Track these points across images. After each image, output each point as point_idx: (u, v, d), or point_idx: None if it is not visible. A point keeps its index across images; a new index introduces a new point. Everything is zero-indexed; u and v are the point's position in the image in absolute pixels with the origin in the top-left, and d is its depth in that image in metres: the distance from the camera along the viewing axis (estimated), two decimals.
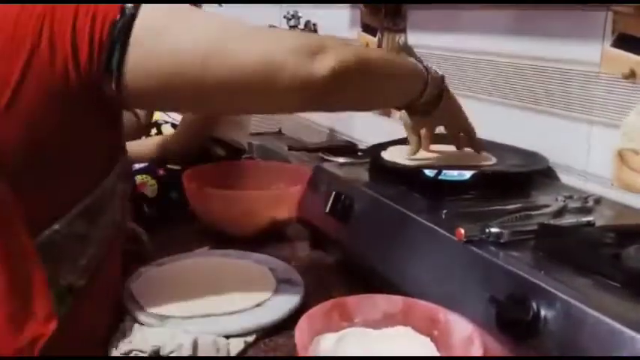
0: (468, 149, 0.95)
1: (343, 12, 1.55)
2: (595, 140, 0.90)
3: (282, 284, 0.85)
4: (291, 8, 1.76)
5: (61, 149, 0.63)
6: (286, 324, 0.76)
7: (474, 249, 0.67)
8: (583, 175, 0.92)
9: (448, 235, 0.71)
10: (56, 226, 0.63)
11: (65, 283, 0.65)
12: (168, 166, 1.21)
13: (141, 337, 0.72)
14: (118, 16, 0.60)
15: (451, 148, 0.96)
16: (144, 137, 1.36)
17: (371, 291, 0.82)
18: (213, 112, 0.86)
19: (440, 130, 0.93)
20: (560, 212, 0.78)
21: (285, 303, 0.80)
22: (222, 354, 0.71)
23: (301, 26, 1.75)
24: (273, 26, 1.75)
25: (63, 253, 0.64)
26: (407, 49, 1.30)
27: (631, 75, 0.84)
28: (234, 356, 0.72)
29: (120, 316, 0.77)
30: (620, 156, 0.86)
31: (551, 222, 0.73)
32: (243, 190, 1.18)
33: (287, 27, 1.75)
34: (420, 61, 0.82)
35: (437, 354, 0.64)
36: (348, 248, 0.91)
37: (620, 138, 0.86)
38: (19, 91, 0.59)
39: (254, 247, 0.99)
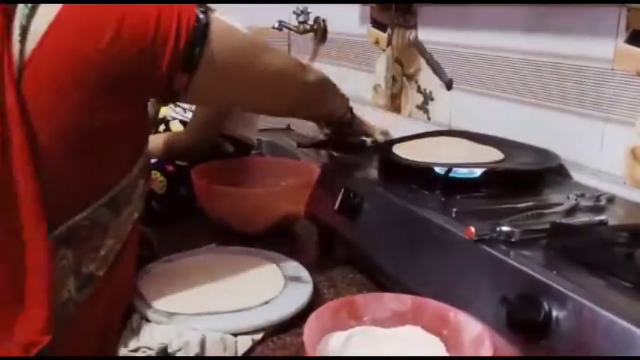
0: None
1: (353, 8, 1.54)
2: (608, 138, 0.89)
3: (290, 282, 0.85)
4: (300, 4, 1.75)
5: (108, 138, 0.66)
6: (294, 322, 0.76)
7: (485, 248, 0.66)
8: (596, 174, 0.91)
9: (458, 233, 0.70)
10: (84, 214, 0.66)
11: (87, 272, 0.68)
12: (177, 162, 1.21)
13: (148, 334, 0.72)
14: (197, 19, 0.67)
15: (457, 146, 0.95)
16: (152, 133, 1.36)
17: (380, 289, 0.82)
18: (247, 106, 0.96)
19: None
20: (572, 211, 0.77)
21: (293, 301, 0.79)
22: (230, 352, 0.71)
23: (310, 22, 1.74)
24: (283, 22, 1.75)
25: (87, 241, 0.67)
26: (417, 46, 1.29)
27: None
28: (241, 356, 0.71)
29: (128, 312, 0.78)
30: (634, 154, 0.85)
31: (563, 221, 0.72)
32: (252, 187, 1.17)
33: (296, 22, 1.75)
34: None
35: (446, 354, 0.63)
36: (357, 246, 0.90)
37: (635, 136, 0.84)
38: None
39: (262, 244, 0.99)
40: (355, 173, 0.97)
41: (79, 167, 0.65)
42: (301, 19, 1.74)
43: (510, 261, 0.63)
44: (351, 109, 1.03)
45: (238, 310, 0.77)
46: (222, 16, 0.73)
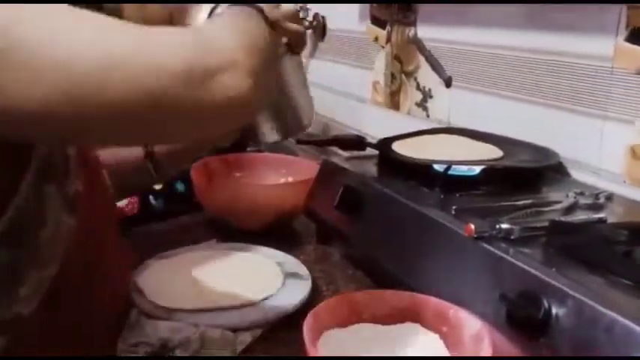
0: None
1: (352, 4, 1.54)
2: (607, 136, 0.89)
3: (289, 278, 0.85)
4: (300, 1, 1.75)
5: None
6: (293, 318, 0.76)
7: (484, 245, 0.66)
8: (595, 172, 0.91)
9: (458, 230, 0.70)
10: None
11: (7, 318, 0.53)
12: None
13: (148, 330, 0.72)
14: None
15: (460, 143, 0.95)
16: None
17: (379, 287, 0.82)
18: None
19: None
20: (571, 209, 0.77)
21: (292, 297, 0.79)
22: (230, 347, 0.71)
23: (310, 18, 1.74)
24: None
25: None
26: (417, 43, 1.29)
27: None
28: (240, 352, 0.71)
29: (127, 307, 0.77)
30: (633, 152, 0.85)
31: (562, 218, 0.72)
32: (251, 183, 1.17)
33: None
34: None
35: (446, 351, 0.63)
36: (356, 243, 0.91)
37: (634, 134, 0.85)
38: None
39: (261, 240, 0.99)
40: (354, 170, 0.97)
41: None
42: (300, 15, 1.74)
43: (510, 258, 0.63)
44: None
45: (238, 307, 0.77)
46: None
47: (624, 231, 0.65)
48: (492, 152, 0.94)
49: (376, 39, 1.46)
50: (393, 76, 1.41)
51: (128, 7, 1.22)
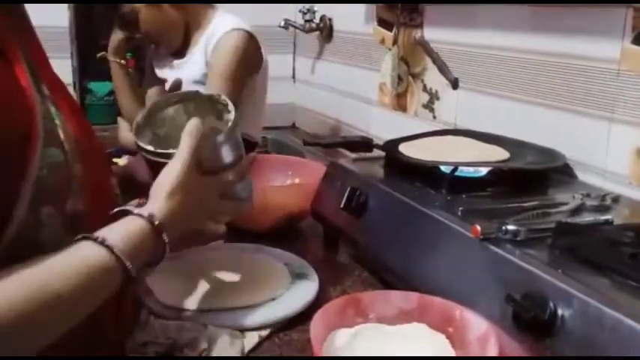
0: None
1: (359, 6, 1.54)
2: (614, 138, 0.89)
3: (296, 279, 0.85)
4: (307, 3, 1.75)
5: None
6: (301, 319, 0.77)
7: (491, 246, 0.66)
8: (601, 173, 0.91)
9: (464, 232, 0.70)
10: None
11: None
12: None
13: (157, 329, 0.73)
14: None
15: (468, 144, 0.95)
16: None
17: (385, 287, 0.82)
18: None
19: None
20: (577, 210, 0.77)
21: (299, 298, 0.80)
22: (237, 347, 0.71)
23: (316, 20, 1.75)
24: (289, 20, 1.75)
25: None
26: (423, 45, 1.29)
27: None
28: (248, 352, 0.72)
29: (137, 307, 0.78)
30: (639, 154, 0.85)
31: (569, 220, 0.73)
32: (258, 185, 1.18)
33: (302, 21, 1.75)
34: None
35: (452, 351, 0.63)
36: (362, 244, 0.91)
37: None
38: None
39: (268, 241, 0.99)
40: (361, 171, 0.97)
41: None
42: (307, 17, 1.75)
43: (516, 260, 0.63)
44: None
45: (245, 307, 0.78)
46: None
47: (630, 233, 0.65)
48: (499, 154, 0.95)
49: (383, 41, 1.46)
50: (399, 77, 1.41)
51: (145, 12, 1.22)
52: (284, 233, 1.07)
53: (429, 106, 1.31)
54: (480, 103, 1.15)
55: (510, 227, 0.67)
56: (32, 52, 0.61)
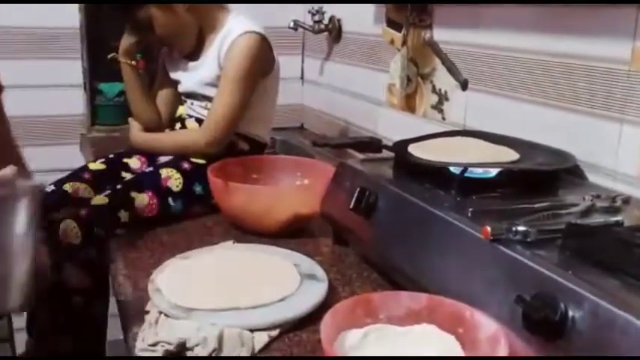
0: None
1: (368, 7, 1.54)
2: (625, 139, 0.89)
3: (306, 279, 0.85)
4: (315, 4, 1.75)
5: None
6: (310, 319, 0.77)
7: (501, 247, 0.66)
8: (611, 175, 0.91)
9: (474, 233, 0.70)
10: None
11: None
12: (193, 159, 1.22)
13: (167, 330, 0.73)
14: None
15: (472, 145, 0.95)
16: (167, 131, 1.37)
17: (394, 288, 0.82)
18: None
19: None
20: (587, 211, 0.77)
21: (309, 298, 0.80)
22: (247, 347, 0.72)
23: (325, 21, 1.75)
24: (298, 21, 1.76)
25: None
26: (433, 45, 1.29)
27: None
28: (258, 352, 0.72)
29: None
30: None
31: (579, 221, 0.72)
32: (267, 185, 1.18)
33: (311, 22, 1.75)
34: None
35: (462, 352, 0.63)
36: (371, 245, 0.91)
37: None
38: None
39: (278, 241, 1.00)
40: (370, 172, 0.97)
41: None
42: (316, 18, 1.75)
43: (526, 261, 0.63)
44: None
45: (255, 307, 0.78)
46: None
47: None
48: (508, 155, 0.94)
49: (392, 41, 1.46)
50: (408, 78, 1.41)
51: (159, 16, 1.23)
52: (293, 233, 1.07)
53: (438, 107, 1.31)
54: (489, 104, 1.15)
55: (520, 228, 0.67)
56: None
